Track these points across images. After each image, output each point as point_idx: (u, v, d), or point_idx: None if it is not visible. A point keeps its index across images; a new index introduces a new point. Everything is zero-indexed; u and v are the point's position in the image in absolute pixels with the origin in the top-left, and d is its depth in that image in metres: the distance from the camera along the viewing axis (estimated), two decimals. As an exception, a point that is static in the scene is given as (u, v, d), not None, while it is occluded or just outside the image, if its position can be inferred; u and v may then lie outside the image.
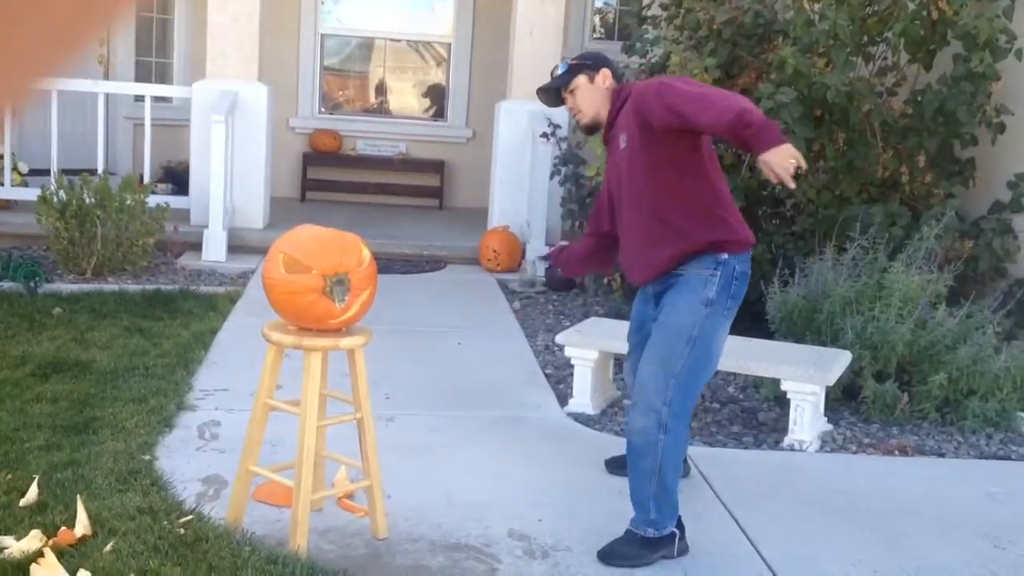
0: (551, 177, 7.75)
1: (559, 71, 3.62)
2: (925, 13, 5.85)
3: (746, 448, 4.65)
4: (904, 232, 5.69)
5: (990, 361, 4.96)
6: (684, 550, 3.40)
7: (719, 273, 3.32)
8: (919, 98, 6.03)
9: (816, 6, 6.04)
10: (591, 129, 3.61)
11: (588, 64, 3.58)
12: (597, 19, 11.08)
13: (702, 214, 3.35)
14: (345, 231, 3.34)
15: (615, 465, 4.00)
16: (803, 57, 5.79)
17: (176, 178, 9.13)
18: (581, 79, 3.54)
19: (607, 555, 3.33)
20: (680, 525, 3.40)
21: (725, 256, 3.33)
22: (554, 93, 3.61)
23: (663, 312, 3.39)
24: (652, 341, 3.38)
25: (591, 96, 3.53)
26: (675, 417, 3.30)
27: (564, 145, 7.71)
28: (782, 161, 2.98)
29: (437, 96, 11.23)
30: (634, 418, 3.35)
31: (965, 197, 6.35)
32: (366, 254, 3.29)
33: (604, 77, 3.54)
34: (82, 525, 3.20)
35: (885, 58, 6.34)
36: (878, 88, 6.11)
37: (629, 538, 3.36)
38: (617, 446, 4.42)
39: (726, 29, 6.30)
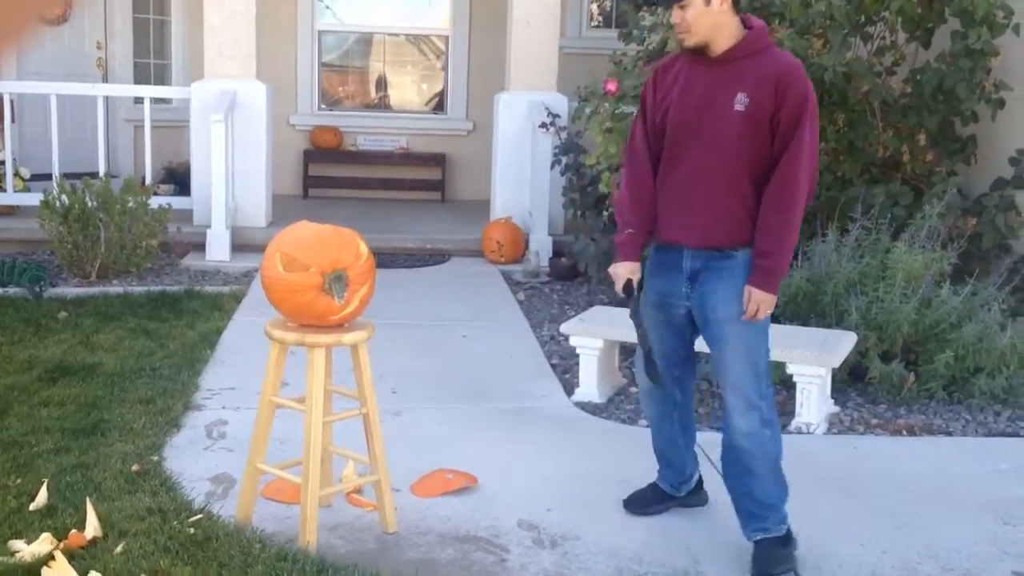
0: (552, 167, 7.75)
1: None
2: (922, -9, 5.84)
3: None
4: (907, 211, 5.67)
5: (996, 338, 4.95)
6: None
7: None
8: (918, 76, 6.00)
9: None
10: (694, 52, 3.22)
11: None
12: (595, 7, 11.06)
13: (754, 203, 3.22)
14: (344, 227, 3.34)
15: (637, 504, 3.68)
16: (800, 38, 5.77)
17: (178, 179, 9.14)
18: None
19: (765, 569, 3.23)
20: None
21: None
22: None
23: (728, 304, 3.19)
24: (731, 338, 3.22)
25: (706, 18, 3.13)
26: (771, 408, 3.27)
27: (564, 135, 7.71)
28: (763, 305, 3.14)
29: (436, 89, 11.22)
30: (737, 424, 3.23)
31: (967, 174, 6.33)
32: (363, 249, 3.29)
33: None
34: (92, 527, 3.22)
35: (883, 37, 6.32)
36: (877, 68, 6.09)
37: (770, 545, 3.26)
38: (624, 433, 4.42)
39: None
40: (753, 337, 3.23)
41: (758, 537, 3.29)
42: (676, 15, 3.19)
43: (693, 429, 3.66)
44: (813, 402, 4.57)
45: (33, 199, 7.46)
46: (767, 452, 3.24)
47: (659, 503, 3.65)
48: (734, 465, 3.32)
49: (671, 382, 3.48)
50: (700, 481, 3.71)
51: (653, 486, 3.68)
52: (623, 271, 3.36)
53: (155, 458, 3.90)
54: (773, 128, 3.13)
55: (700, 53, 3.20)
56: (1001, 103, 5.96)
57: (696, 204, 3.23)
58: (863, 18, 6.10)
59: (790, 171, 3.11)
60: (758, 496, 3.28)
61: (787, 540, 3.30)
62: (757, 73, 3.14)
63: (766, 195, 3.15)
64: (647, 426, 4.60)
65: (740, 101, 3.13)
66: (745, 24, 3.21)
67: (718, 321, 3.23)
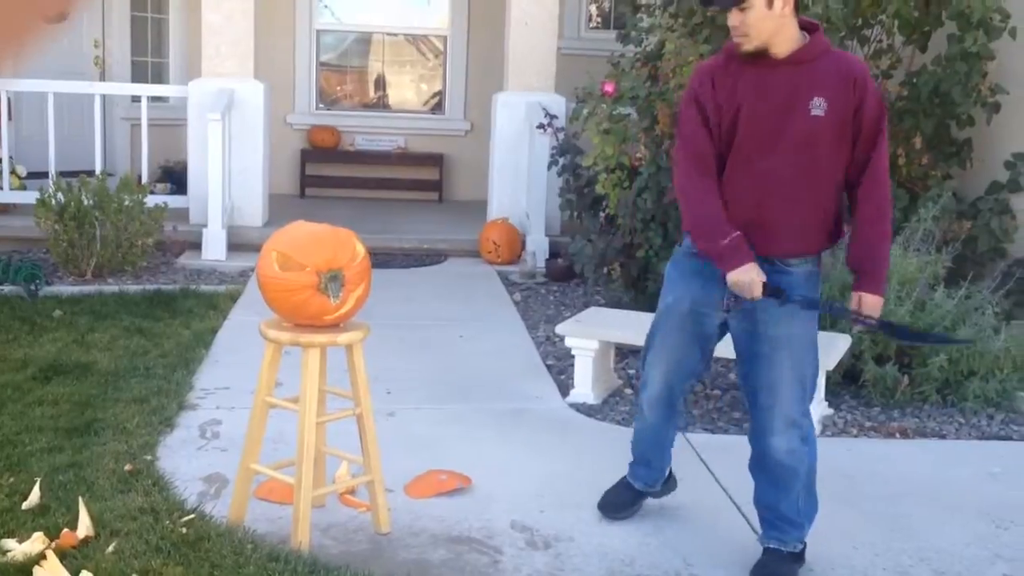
0: (549, 168, 7.75)
1: None
2: (918, -6, 5.85)
3: (747, 434, 4.64)
4: (902, 214, 5.68)
5: (990, 341, 4.96)
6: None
7: (819, 272, 3.25)
8: (914, 80, 6.01)
9: (809, -10, 6.02)
10: (750, 56, 3.07)
11: None
12: (593, 8, 11.06)
13: (837, 214, 3.19)
14: (340, 226, 3.33)
15: (613, 508, 3.63)
16: (797, 41, 5.77)
17: (174, 177, 9.13)
18: None
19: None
20: None
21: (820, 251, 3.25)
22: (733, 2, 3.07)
23: (780, 322, 3.11)
24: (783, 356, 3.13)
25: (766, 22, 3.00)
26: (811, 424, 3.24)
27: (561, 135, 7.71)
28: (875, 311, 3.16)
29: (434, 89, 11.22)
30: (776, 443, 3.17)
31: (962, 178, 6.34)
32: (360, 249, 3.28)
33: (785, 2, 3.01)
34: (84, 526, 3.22)
35: (880, 40, 6.32)
36: (873, 71, 6.09)
37: (780, 558, 3.24)
38: (619, 435, 4.42)
39: (720, 16, 6.27)
40: (804, 353, 3.17)
41: (772, 545, 3.26)
42: (735, 17, 3.04)
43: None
44: (807, 405, 4.57)
45: (29, 197, 7.45)
46: (803, 469, 3.21)
47: (634, 503, 3.62)
48: (767, 479, 3.26)
49: (681, 393, 3.46)
50: (670, 470, 3.69)
51: (627, 486, 3.62)
52: (756, 275, 3.06)
53: (148, 457, 3.90)
54: (854, 132, 3.07)
55: (758, 57, 3.07)
56: (997, 107, 5.97)
57: (766, 213, 3.10)
58: (860, 21, 6.11)
59: (882, 171, 3.10)
60: (784, 511, 3.24)
61: (799, 558, 3.28)
62: (831, 75, 3.04)
63: (865, 200, 3.10)
64: (641, 428, 4.62)
65: (818, 105, 3.02)
66: (802, 26, 3.11)
67: (771, 338, 3.14)
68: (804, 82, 3.03)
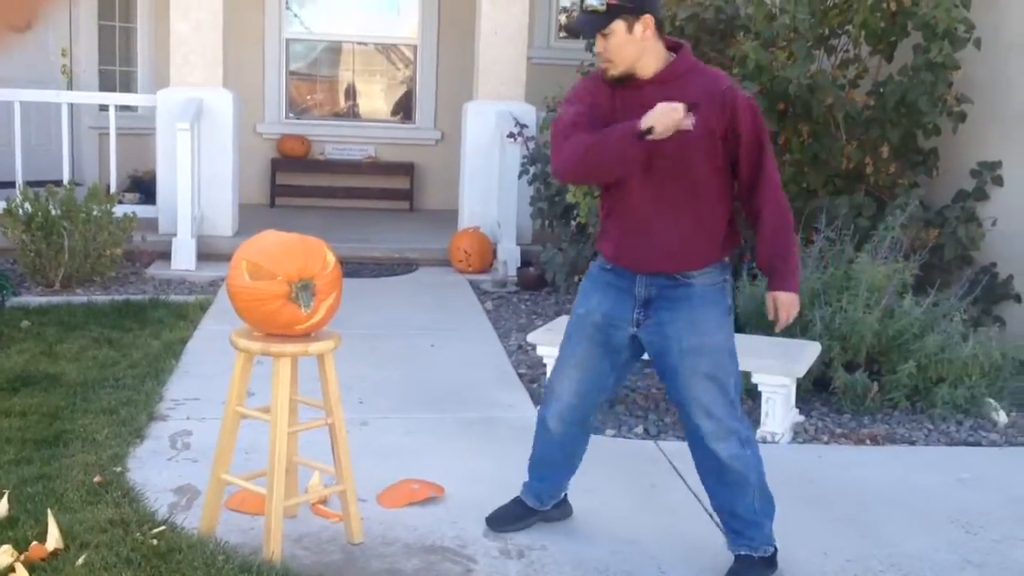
0: (520, 176, 7.76)
1: (595, 4, 3.08)
2: (884, 5, 5.90)
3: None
4: (870, 223, 5.73)
5: (958, 348, 5.01)
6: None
7: (728, 278, 3.25)
8: (881, 89, 6.07)
9: (777, 0, 6.08)
10: (619, 80, 3.12)
11: (628, 8, 3.05)
12: (563, 18, 11.09)
13: (727, 226, 3.22)
14: (311, 236, 3.32)
15: (499, 521, 3.58)
16: (765, 51, 5.82)
17: (143, 187, 9.07)
18: (618, 25, 3.05)
19: None
20: None
21: (726, 260, 3.24)
22: (593, 32, 3.11)
23: (691, 334, 3.14)
24: (698, 367, 3.15)
25: (628, 47, 3.06)
26: (748, 427, 3.24)
27: (532, 144, 7.73)
28: (792, 308, 3.21)
29: (405, 98, 11.22)
30: (716, 448, 3.18)
31: (929, 186, 6.40)
32: (330, 258, 3.27)
33: (645, 25, 3.05)
34: (53, 539, 3.18)
35: (847, 50, 6.39)
36: (840, 80, 6.15)
37: (750, 564, 3.26)
38: (591, 443, 4.42)
39: (689, 25, 6.32)
40: (720, 361, 3.19)
41: (743, 552, 3.28)
42: (599, 44, 3.10)
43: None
44: (778, 411, 4.60)
45: (-5, 207, 7.38)
46: (751, 472, 3.22)
47: (523, 519, 3.57)
48: (718, 484, 3.26)
49: (592, 408, 3.41)
50: (564, 494, 3.65)
51: (517, 501, 3.59)
52: (662, 107, 2.97)
53: (118, 469, 3.86)
54: (734, 146, 3.11)
55: (625, 80, 3.11)
56: (962, 116, 6.04)
57: (652, 231, 3.16)
58: (827, 31, 6.17)
59: (772, 174, 3.15)
60: (742, 513, 3.25)
61: (771, 563, 3.29)
62: (697, 92, 3.05)
63: (763, 204, 3.15)
64: (614, 435, 4.63)
65: (691, 117, 3.00)
66: (668, 46, 3.15)
67: (682, 352, 3.16)
68: (671, 100, 3.00)
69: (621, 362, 3.33)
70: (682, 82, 3.09)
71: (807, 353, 4.76)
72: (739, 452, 3.19)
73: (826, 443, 4.67)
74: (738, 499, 3.25)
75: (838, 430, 4.80)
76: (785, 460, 4.38)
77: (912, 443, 4.72)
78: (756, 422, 4.69)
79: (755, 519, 3.26)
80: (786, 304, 3.18)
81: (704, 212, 3.16)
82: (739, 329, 5.39)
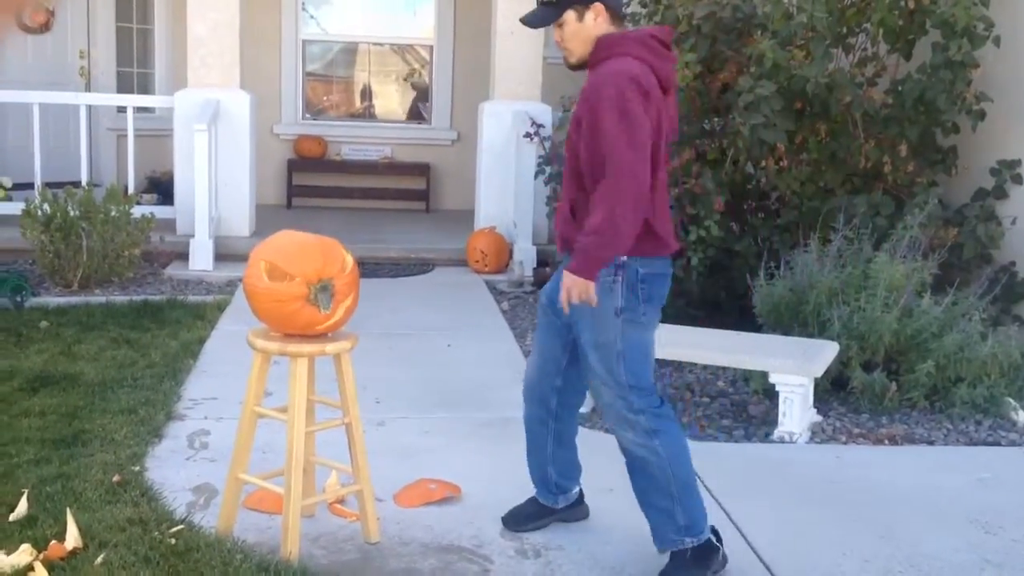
0: (536, 176, 7.76)
1: None
2: (903, 2, 5.87)
3: (736, 441, 4.66)
4: (888, 222, 5.70)
5: (977, 348, 4.98)
6: (724, 561, 3.29)
7: (621, 278, 3.13)
8: (899, 88, 6.04)
9: (794, -1, 6.05)
10: (578, 68, 3.24)
11: None
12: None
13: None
14: (328, 236, 3.33)
15: (513, 520, 3.60)
16: (782, 50, 5.80)
17: (161, 188, 9.11)
18: (569, 15, 3.16)
19: None
20: (715, 533, 3.30)
21: (624, 259, 3.11)
22: (544, 23, 3.24)
23: (583, 329, 3.20)
24: (589, 359, 3.21)
25: (580, 35, 3.17)
26: (655, 417, 3.20)
27: (548, 144, 7.72)
28: (575, 291, 3.05)
29: (421, 99, 11.23)
30: (620, 437, 3.24)
31: (948, 185, 6.37)
32: (348, 259, 3.28)
33: (596, 13, 3.15)
34: (72, 538, 3.20)
35: (864, 49, 6.35)
36: (858, 79, 6.12)
37: (680, 561, 3.23)
38: (606, 442, 4.42)
39: (706, 24, 6.30)
40: (609, 363, 3.17)
41: (668, 549, 3.25)
42: (556, 34, 3.22)
43: (570, 443, 3.56)
44: (795, 411, 4.58)
45: (15, 208, 7.42)
46: (661, 461, 3.19)
47: (539, 518, 3.58)
48: (630, 470, 3.29)
49: (550, 391, 3.43)
50: (580, 495, 3.64)
51: (533, 500, 3.61)
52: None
53: (136, 468, 3.88)
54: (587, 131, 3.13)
55: (582, 68, 3.22)
56: (982, 114, 6.00)
57: (559, 215, 3.31)
58: (845, 30, 6.14)
59: (608, 166, 3.02)
60: (657, 504, 3.23)
61: (701, 557, 3.23)
62: (587, 83, 3.16)
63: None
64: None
65: (579, 111, 3.15)
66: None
67: (580, 340, 3.23)
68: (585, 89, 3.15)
69: (571, 342, 3.35)
70: (594, 72, 3.16)
71: (825, 353, 4.74)
72: (644, 441, 3.19)
73: (844, 443, 4.65)
74: (653, 488, 3.23)
75: (856, 430, 4.78)
76: (803, 460, 4.37)
77: (931, 443, 4.70)
78: (773, 422, 4.68)
79: (671, 507, 3.21)
80: (567, 286, 3.08)
81: (581, 199, 3.19)
82: (756, 329, 5.40)
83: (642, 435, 3.19)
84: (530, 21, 3.28)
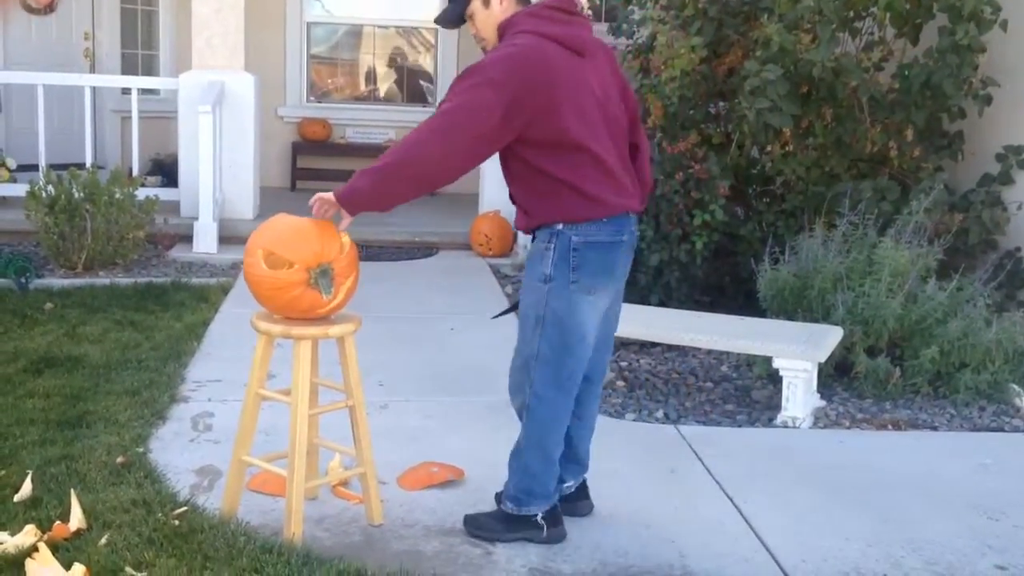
0: (540, 160, 7.72)
1: None
2: (910, -13, 5.85)
3: (740, 426, 4.67)
4: (893, 207, 5.69)
5: (981, 334, 4.98)
6: (556, 538, 3.32)
7: (553, 246, 3.14)
8: (906, 72, 6.01)
9: (801, -18, 6.01)
10: None
11: None
12: (584, 0, 11.03)
13: (540, 191, 3.19)
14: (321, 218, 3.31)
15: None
16: (789, 34, 5.78)
17: (165, 170, 9.09)
18: (475, 5, 3.22)
19: (468, 521, 3.39)
20: (553, 515, 3.32)
21: (560, 227, 3.13)
22: (456, 18, 3.30)
23: (524, 296, 3.30)
24: (520, 323, 3.31)
25: (490, 23, 3.22)
26: (537, 399, 3.23)
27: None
28: (320, 204, 3.21)
29: (425, 81, 11.20)
30: (512, 400, 3.36)
31: (954, 170, 6.35)
32: (346, 240, 3.27)
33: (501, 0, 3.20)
34: (76, 519, 3.21)
35: (871, 33, 6.33)
36: (864, 63, 6.10)
37: (495, 513, 3.38)
38: (610, 426, 4.43)
39: (712, 7, 6.28)
40: (524, 326, 3.26)
41: (497, 501, 3.40)
42: (471, 27, 3.27)
43: (570, 441, 3.48)
44: (799, 396, 4.58)
45: (19, 190, 7.43)
46: (524, 432, 3.30)
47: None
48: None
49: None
50: (579, 489, 3.55)
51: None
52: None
53: (140, 450, 3.89)
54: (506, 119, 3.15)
55: None
56: (988, 99, 5.97)
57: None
58: (851, 14, 6.11)
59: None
60: (511, 463, 3.35)
61: (507, 520, 3.33)
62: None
63: None
64: (635, 420, 4.63)
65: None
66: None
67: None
68: None
69: None
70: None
71: (829, 338, 4.74)
72: (519, 409, 3.30)
73: (847, 428, 4.65)
74: (513, 450, 3.35)
75: (860, 415, 4.78)
76: (806, 445, 4.37)
77: (934, 429, 4.70)
78: (777, 407, 4.69)
79: (514, 468, 3.33)
80: (319, 197, 3.22)
81: (516, 175, 3.27)
82: (761, 314, 5.39)
83: (520, 407, 3.30)
84: (442, 20, 3.35)
